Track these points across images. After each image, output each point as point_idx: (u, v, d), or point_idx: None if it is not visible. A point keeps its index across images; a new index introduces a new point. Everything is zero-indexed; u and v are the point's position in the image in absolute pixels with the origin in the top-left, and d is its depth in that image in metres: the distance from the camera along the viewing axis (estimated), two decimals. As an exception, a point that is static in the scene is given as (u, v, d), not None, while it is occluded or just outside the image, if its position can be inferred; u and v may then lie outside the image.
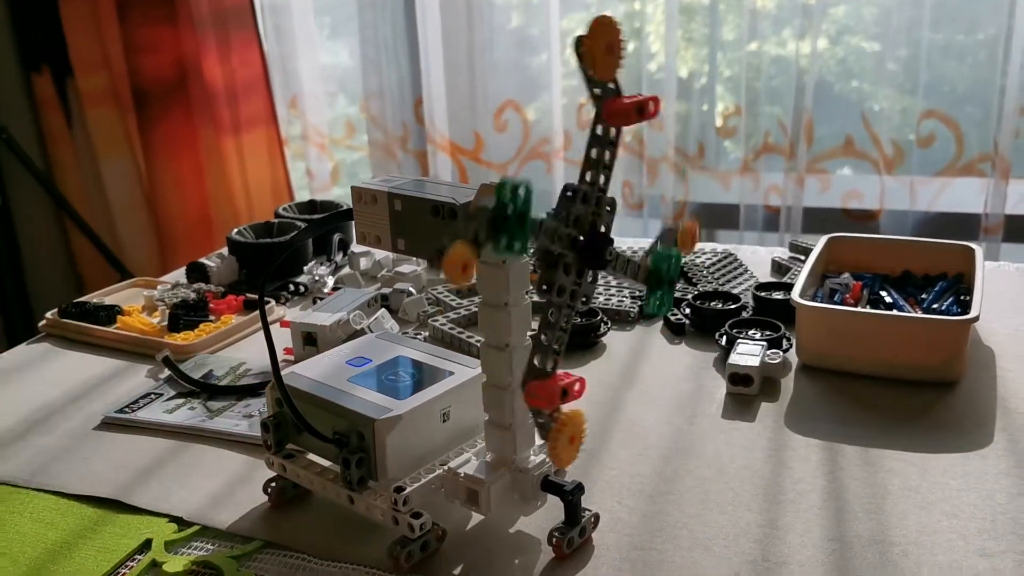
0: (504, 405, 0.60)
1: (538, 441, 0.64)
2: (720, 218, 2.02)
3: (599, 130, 0.54)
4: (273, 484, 0.67)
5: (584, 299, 0.58)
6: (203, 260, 1.07)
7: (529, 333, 0.60)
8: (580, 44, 0.52)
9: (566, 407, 0.58)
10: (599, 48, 0.51)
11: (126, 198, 2.24)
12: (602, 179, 0.55)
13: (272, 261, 0.66)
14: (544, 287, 0.56)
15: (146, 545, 0.63)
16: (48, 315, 0.98)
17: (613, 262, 0.58)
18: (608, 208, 0.56)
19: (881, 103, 1.75)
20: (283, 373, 0.67)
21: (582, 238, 0.56)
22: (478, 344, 0.88)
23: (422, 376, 0.66)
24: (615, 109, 0.52)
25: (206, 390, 0.82)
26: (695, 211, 2.01)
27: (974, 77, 1.73)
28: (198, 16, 2.06)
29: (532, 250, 0.55)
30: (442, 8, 2.00)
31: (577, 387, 0.58)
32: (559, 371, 0.58)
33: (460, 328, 0.92)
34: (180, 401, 0.81)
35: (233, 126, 2.16)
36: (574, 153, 2.00)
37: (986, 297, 0.95)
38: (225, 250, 1.11)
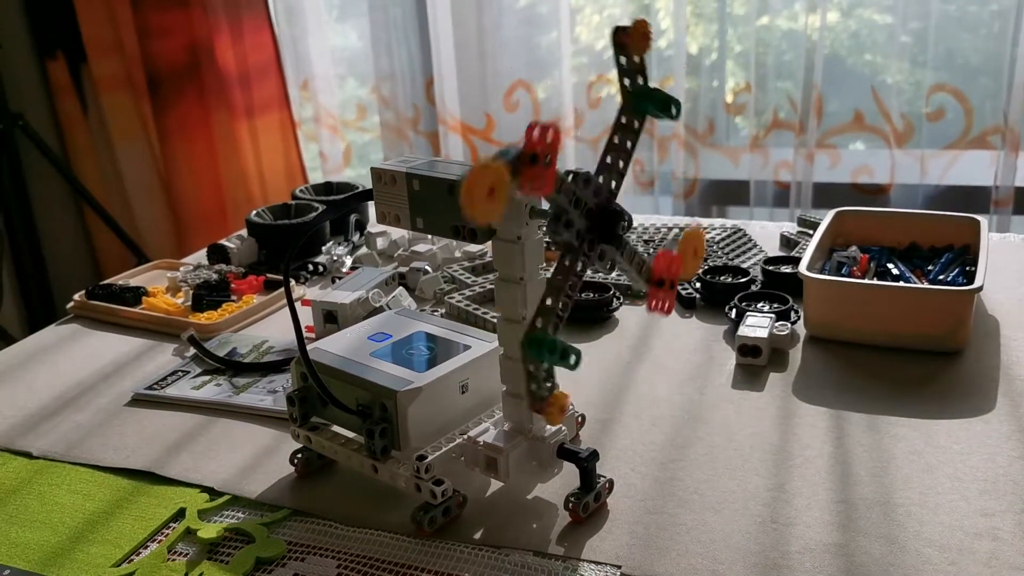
0: (520, 376, 0.63)
1: (554, 411, 0.66)
2: (731, 195, 2.03)
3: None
4: (299, 455, 0.70)
5: (609, 264, 0.60)
6: (223, 242, 1.10)
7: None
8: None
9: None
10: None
11: (142, 182, 2.27)
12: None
13: (295, 242, 0.69)
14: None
15: (180, 514, 0.66)
16: (76, 297, 1.00)
17: (623, 248, 0.60)
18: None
19: (893, 76, 1.75)
20: (307, 349, 0.69)
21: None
22: (493, 320, 0.91)
23: (440, 350, 0.69)
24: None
25: (231, 367, 0.85)
26: (706, 188, 2.03)
27: (985, 49, 1.73)
28: (210, 0, 2.08)
29: (547, 228, 0.57)
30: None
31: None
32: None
33: (476, 305, 0.95)
34: (207, 378, 0.84)
35: (246, 110, 2.18)
36: (584, 131, 2.02)
37: (991, 268, 0.97)
38: (244, 232, 1.13)
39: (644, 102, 0.59)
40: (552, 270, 0.58)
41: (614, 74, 1.94)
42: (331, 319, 0.90)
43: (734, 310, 0.89)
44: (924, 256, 0.95)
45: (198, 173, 2.24)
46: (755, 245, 1.08)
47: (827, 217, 0.98)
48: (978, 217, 0.94)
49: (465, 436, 0.65)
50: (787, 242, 1.08)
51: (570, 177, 0.56)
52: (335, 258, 1.08)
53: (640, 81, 0.59)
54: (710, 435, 0.71)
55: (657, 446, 0.71)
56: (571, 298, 0.60)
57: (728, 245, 1.07)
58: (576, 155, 2.09)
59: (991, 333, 0.85)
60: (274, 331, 0.95)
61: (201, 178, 2.25)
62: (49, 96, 2.28)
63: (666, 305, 0.60)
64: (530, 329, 0.59)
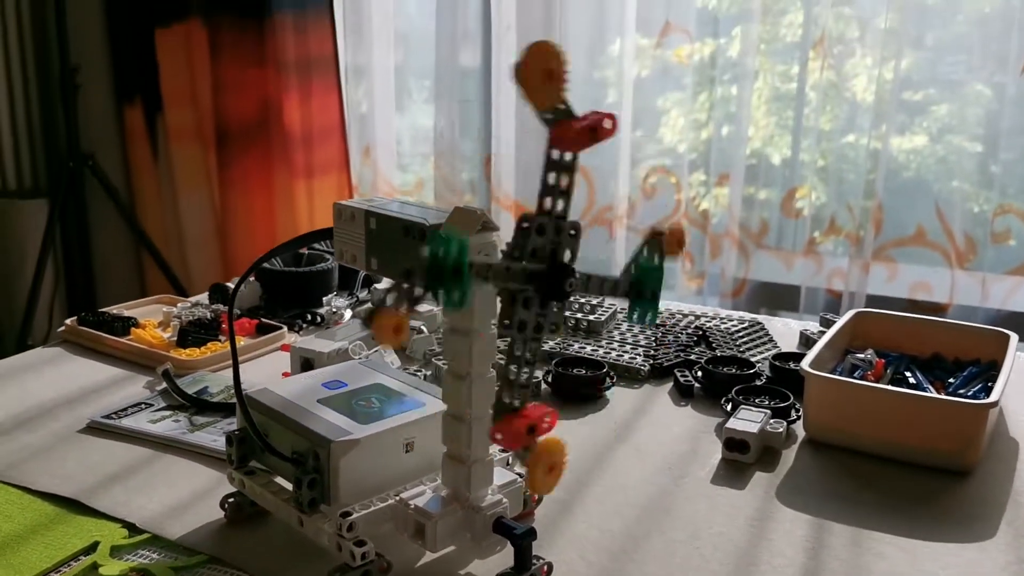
0: (461, 437, 0.58)
1: (497, 480, 0.62)
2: (781, 298, 1.97)
3: (554, 155, 0.52)
4: (231, 500, 0.66)
5: (554, 326, 0.56)
6: (228, 283, 1.08)
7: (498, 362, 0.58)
8: (518, 71, 0.49)
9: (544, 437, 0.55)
10: (537, 75, 0.49)
11: (200, 231, 2.30)
12: (560, 205, 0.53)
13: (245, 274, 0.66)
14: (505, 322, 0.54)
15: (92, 547, 0.62)
16: (67, 322, 0.99)
17: (584, 284, 0.56)
18: (572, 233, 0.54)
19: (956, 196, 1.70)
20: (256, 390, 0.66)
21: (541, 269, 0.54)
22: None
23: (391, 404, 0.65)
24: (566, 135, 0.51)
25: (196, 404, 0.82)
26: (755, 290, 1.97)
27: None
28: (284, 60, 2.12)
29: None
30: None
31: (548, 421, 0.55)
32: (531, 404, 0.56)
33: (465, 370, 0.91)
34: (167, 413, 0.81)
35: (306, 169, 2.20)
36: (637, 221, 1.98)
37: (1021, 387, 0.89)
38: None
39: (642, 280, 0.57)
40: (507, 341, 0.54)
41: (685, 176, 1.92)
42: (308, 367, 0.86)
43: (730, 403, 0.83)
44: (947, 368, 0.88)
45: (253, 227, 2.26)
46: (771, 340, 1.02)
47: (844, 316, 0.92)
48: (1009, 332, 0.87)
49: (397, 497, 0.60)
50: (806, 341, 1.02)
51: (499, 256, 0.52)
52: (335, 310, 1.05)
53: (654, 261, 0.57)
54: (673, 529, 0.65)
55: (613, 534, 0.65)
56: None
57: (742, 337, 1.01)
58: (627, 243, 2.05)
59: (1007, 456, 0.77)
60: (255, 375, 0.91)
61: (256, 232, 2.27)
62: (123, 140, 2.34)
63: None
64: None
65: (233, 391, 0.84)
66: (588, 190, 2.03)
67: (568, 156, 0.52)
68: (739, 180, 1.87)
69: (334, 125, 2.21)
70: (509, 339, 0.55)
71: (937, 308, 1.79)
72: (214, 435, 0.77)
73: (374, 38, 2.16)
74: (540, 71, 0.49)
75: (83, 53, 2.24)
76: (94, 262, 2.42)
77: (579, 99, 0.48)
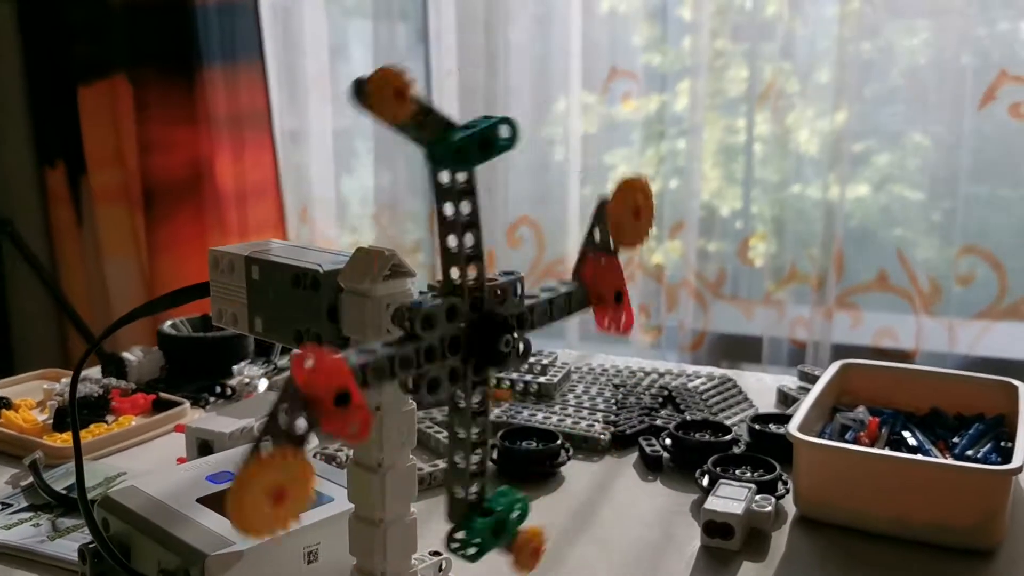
0: (373, 547, 0.46)
1: (423, 597, 0.49)
2: (742, 350, 1.87)
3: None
4: (84, 632, 0.52)
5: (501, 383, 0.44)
6: (125, 353, 0.95)
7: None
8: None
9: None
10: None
11: (127, 297, 2.16)
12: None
13: (91, 346, 0.53)
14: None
15: None
16: (-74, 405, 0.85)
17: (529, 320, 0.43)
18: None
19: (904, 244, 1.64)
20: (120, 488, 0.53)
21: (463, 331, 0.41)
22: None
23: (291, 500, 0.52)
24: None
25: (63, 503, 0.68)
26: (715, 342, 1.87)
27: (1018, 229, 1.62)
28: (214, 116, 2.01)
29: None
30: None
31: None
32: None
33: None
34: (28, 515, 0.66)
35: (240, 229, 2.08)
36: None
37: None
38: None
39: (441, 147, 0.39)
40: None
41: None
42: (206, 450, 0.73)
43: (707, 476, 0.71)
44: (949, 425, 0.77)
45: (184, 293, 2.12)
46: (745, 399, 0.91)
47: (830, 370, 0.80)
48: (1015, 382, 0.77)
49: (295, 625, 0.47)
50: (784, 398, 0.91)
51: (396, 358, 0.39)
52: (247, 380, 0.92)
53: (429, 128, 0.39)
54: (648, 644, 0.53)
55: (574, 655, 0.52)
56: (485, 443, 0.44)
57: (713, 397, 0.90)
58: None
59: (1034, 530, 0.66)
60: (144, 461, 0.78)
61: (188, 298, 2.13)
62: (44, 204, 2.21)
63: (621, 322, 0.45)
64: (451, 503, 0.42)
65: (113, 486, 0.71)
66: (537, 245, 1.94)
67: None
68: (693, 232, 1.79)
69: (268, 182, 2.10)
70: (448, 419, 0.43)
71: (904, 355, 1.70)
72: (80, 542, 0.62)
73: (309, 94, 2.06)
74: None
75: (0, 115, 2.12)
76: (12, 333, 2.26)
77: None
